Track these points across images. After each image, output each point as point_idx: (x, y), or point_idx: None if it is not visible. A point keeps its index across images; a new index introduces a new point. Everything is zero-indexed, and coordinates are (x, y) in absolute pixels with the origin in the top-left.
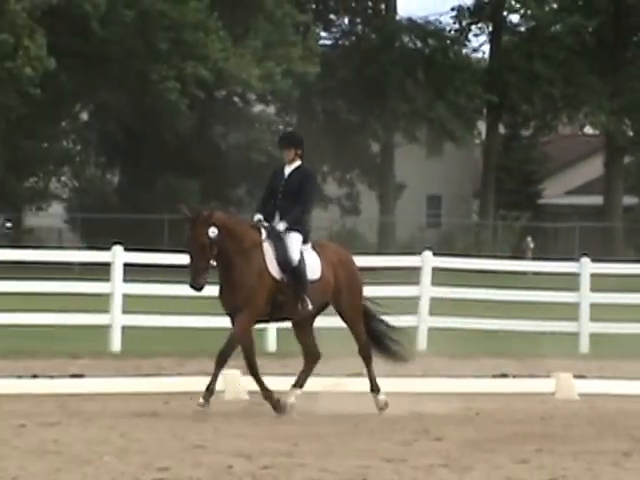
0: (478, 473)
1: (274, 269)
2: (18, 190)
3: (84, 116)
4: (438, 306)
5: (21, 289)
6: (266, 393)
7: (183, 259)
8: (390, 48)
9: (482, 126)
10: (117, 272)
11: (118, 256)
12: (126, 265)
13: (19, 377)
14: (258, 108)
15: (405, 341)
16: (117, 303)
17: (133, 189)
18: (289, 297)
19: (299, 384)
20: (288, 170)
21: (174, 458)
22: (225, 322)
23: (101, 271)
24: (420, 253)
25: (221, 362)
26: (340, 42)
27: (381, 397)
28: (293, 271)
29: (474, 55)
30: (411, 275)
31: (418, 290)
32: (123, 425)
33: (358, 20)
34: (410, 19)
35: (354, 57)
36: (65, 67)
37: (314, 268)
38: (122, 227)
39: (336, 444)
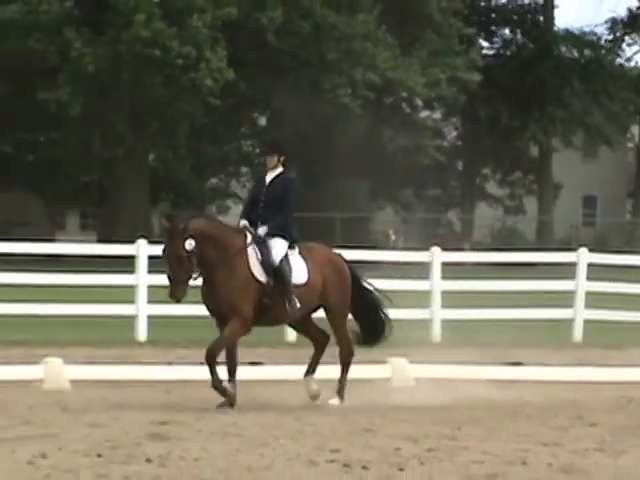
0: (631, 457)
1: (258, 272)
2: (201, 190)
3: (262, 121)
4: (592, 300)
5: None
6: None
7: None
8: (548, 57)
9: (635, 130)
10: None
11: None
12: None
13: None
14: (424, 114)
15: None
16: None
17: (307, 189)
18: (275, 300)
19: (311, 370)
20: (269, 178)
21: (345, 441)
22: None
23: None
24: (576, 250)
25: (212, 361)
26: (501, 52)
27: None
28: (275, 272)
29: (627, 64)
30: (567, 270)
31: (574, 284)
32: (297, 410)
33: (518, 31)
34: (567, 30)
35: (514, 65)
36: (243, 76)
37: (300, 273)
38: (297, 225)
39: (496, 428)
